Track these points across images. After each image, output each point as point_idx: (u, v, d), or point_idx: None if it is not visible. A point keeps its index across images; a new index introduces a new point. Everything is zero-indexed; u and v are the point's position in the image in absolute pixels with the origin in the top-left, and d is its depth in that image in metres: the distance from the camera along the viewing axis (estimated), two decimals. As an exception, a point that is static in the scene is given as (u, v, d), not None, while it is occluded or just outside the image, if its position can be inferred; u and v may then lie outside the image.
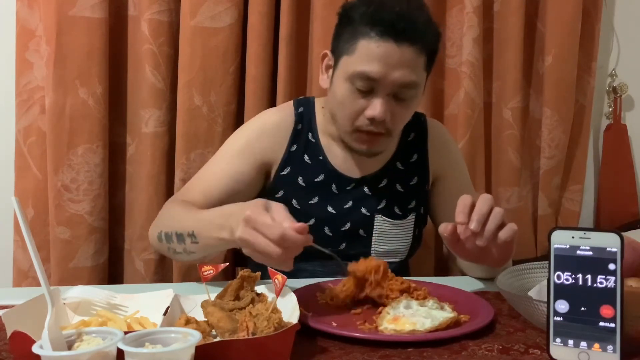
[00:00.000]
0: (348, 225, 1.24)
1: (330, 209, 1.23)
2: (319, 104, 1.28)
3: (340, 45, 1.13)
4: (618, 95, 1.99)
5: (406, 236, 1.27)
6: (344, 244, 1.24)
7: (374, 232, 1.25)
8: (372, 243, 1.25)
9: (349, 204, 1.24)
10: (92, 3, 1.56)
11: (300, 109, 1.27)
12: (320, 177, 1.24)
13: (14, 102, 1.63)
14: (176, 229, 1.10)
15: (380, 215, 1.24)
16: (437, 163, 1.31)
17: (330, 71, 1.18)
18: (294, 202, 1.23)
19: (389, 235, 1.25)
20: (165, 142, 1.66)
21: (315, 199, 1.24)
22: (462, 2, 1.72)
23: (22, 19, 1.61)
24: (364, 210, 1.24)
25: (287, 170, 1.24)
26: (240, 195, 1.19)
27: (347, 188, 1.24)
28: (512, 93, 1.79)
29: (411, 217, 1.27)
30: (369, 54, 1.07)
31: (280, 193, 1.24)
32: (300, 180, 1.24)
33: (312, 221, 1.22)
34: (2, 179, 1.68)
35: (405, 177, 1.28)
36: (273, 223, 0.87)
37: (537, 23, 1.84)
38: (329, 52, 1.19)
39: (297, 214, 1.21)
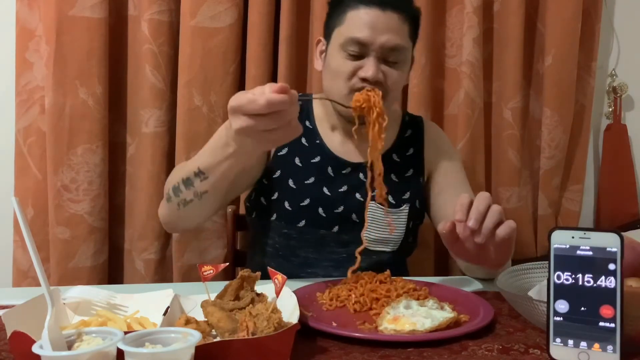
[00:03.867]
0: (342, 208, 1.25)
1: (325, 190, 1.25)
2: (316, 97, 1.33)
3: (331, 22, 1.23)
4: (618, 95, 1.99)
5: (399, 226, 1.28)
6: (336, 227, 1.26)
7: (366, 219, 1.26)
8: (365, 229, 1.25)
9: (344, 188, 1.26)
10: (92, 3, 1.56)
11: (299, 102, 1.30)
12: (317, 159, 1.27)
13: (13, 102, 1.63)
14: (181, 176, 1.10)
15: (373, 202, 1.25)
16: (432, 158, 1.34)
17: (324, 55, 1.26)
18: (290, 182, 1.26)
19: (381, 223, 1.26)
20: (165, 142, 1.66)
21: (312, 180, 1.26)
22: (462, 2, 1.72)
23: (22, 19, 1.61)
24: (358, 195, 1.26)
25: (284, 151, 1.27)
26: (247, 174, 1.23)
27: (343, 172, 1.26)
28: (512, 93, 1.79)
29: (405, 208, 1.29)
30: (358, 21, 1.17)
31: (278, 173, 1.26)
32: (297, 160, 1.27)
33: (307, 201, 1.25)
34: (2, 179, 1.68)
35: (400, 168, 1.30)
36: (255, 96, 0.87)
37: (537, 23, 1.84)
38: (322, 38, 1.28)
39: (293, 193, 1.25)
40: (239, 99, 0.89)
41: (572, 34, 1.79)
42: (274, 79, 1.68)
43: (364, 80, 1.16)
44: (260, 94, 0.86)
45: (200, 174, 1.06)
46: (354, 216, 1.25)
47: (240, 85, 1.68)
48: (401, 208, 1.28)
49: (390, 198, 1.27)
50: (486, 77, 1.80)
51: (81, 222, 1.60)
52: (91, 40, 1.57)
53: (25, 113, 1.63)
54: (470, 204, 0.96)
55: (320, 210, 1.25)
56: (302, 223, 1.25)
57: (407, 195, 1.29)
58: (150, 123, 1.63)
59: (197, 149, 1.61)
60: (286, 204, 1.25)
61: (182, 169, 1.14)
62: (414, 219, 1.31)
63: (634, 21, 1.99)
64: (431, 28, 1.72)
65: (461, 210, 0.95)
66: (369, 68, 1.15)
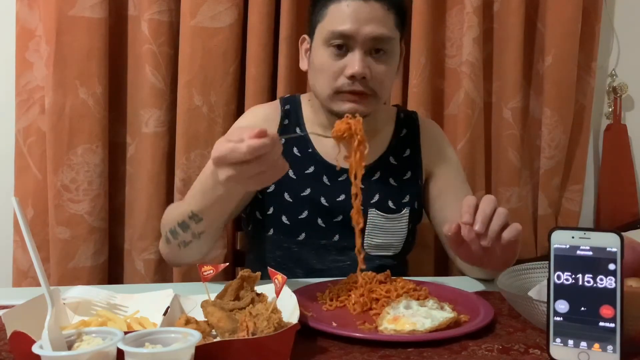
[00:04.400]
0: (341, 217, 1.23)
1: (323, 200, 1.23)
2: (305, 98, 1.31)
3: (313, 18, 1.19)
4: (618, 95, 1.99)
5: (400, 230, 1.27)
6: (337, 236, 1.24)
7: (367, 226, 1.24)
8: (365, 236, 1.24)
9: (342, 196, 1.23)
10: (92, 3, 1.56)
11: (287, 107, 1.30)
12: (311, 169, 1.24)
13: (13, 102, 1.63)
14: (176, 220, 1.10)
15: (373, 209, 1.24)
16: (429, 159, 1.31)
17: (309, 53, 1.22)
18: (286, 195, 1.23)
19: (382, 229, 1.25)
20: (165, 142, 1.66)
21: (308, 191, 1.23)
22: (462, 2, 1.72)
23: (22, 19, 1.61)
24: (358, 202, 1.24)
25: None
26: (243, 196, 1.19)
27: (340, 179, 1.23)
28: (512, 93, 1.79)
29: (405, 212, 1.27)
30: (340, 14, 1.13)
31: (272, 187, 1.24)
32: (290, 173, 1.23)
33: (305, 213, 1.23)
34: (2, 179, 1.68)
35: (398, 171, 1.28)
36: (235, 145, 0.84)
37: (537, 23, 1.84)
38: (306, 36, 1.24)
39: (290, 207, 1.23)
40: (220, 149, 0.85)
41: (572, 34, 1.79)
42: (274, 78, 1.68)
43: (350, 77, 1.12)
44: (239, 141, 0.83)
45: (194, 216, 1.06)
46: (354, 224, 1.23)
47: (240, 85, 1.68)
48: (402, 213, 1.26)
49: (390, 203, 1.25)
50: (486, 77, 1.80)
51: (81, 222, 1.60)
52: (91, 40, 1.57)
53: (25, 113, 1.63)
54: (476, 206, 0.95)
55: (320, 221, 1.23)
56: (302, 236, 1.23)
57: (406, 199, 1.27)
58: (150, 123, 1.63)
59: (197, 149, 1.64)
60: (284, 219, 1.23)
61: (176, 210, 1.13)
62: (414, 220, 1.30)
63: (634, 21, 1.99)
64: (431, 28, 1.72)
65: (468, 212, 0.95)
66: (354, 63, 1.11)
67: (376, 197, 1.25)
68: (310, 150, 1.25)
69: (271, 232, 1.25)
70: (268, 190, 1.24)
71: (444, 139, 1.38)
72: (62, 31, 1.56)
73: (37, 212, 1.64)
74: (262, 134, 0.84)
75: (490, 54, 1.82)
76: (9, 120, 1.65)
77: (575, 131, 1.88)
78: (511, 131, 1.81)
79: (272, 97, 1.68)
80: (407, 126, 1.32)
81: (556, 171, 1.86)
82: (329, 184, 1.24)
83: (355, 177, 1.05)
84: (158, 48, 1.61)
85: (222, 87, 1.64)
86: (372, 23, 1.12)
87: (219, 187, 0.97)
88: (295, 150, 1.25)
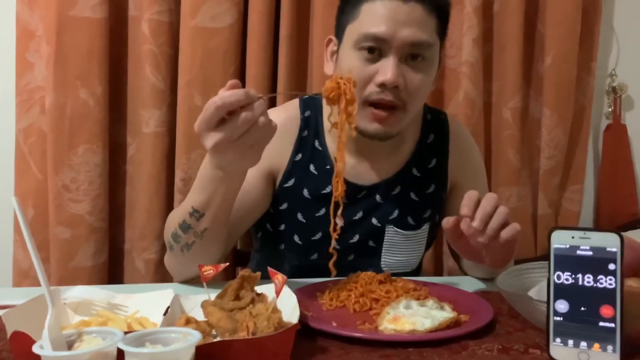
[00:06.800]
0: (357, 237, 1.17)
1: (338, 220, 1.16)
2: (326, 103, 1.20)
3: (343, 18, 1.08)
4: (618, 95, 1.99)
5: (418, 247, 1.22)
6: (352, 256, 1.18)
7: (384, 244, 1.19)
8: (382, 254, 1.19)
9: (359, 214, 1.16)
10: (93, 3, 1.56)
11: (307, 113, 1.18)
12: (328, 189, 1.14)
13: (14, 102, 1.63)
14: (177, 222, 1.02)
15: (391, 226, 1.18)
16: (457, 170, 1.23)
17: (335, 56, 1.12)
18: (299, 215, 1.17)
19: (400, 247, 1.19)
20: (165, 142, 1.66)
21: (323, 211, 1.15)
22: (462, 2, 1.72)
23: (23, 20, 1.61)
24: (374, 220, 1.17)
25: (291, 182, 1.16)
26: (253, 210, 1.14)
27: (358, 197, 1.16)
28: (512, 93, 1.79)
29: (425, 227, 1.20)
30: (374, 14, 1.01)
31: (285, 205, 1.17)
32: (305, 192, 1.16)
33: (319, 235, 1.16)
34: (2, 179, 1.68)
35: (421, 184, 1.20)
36: (209, 101, 0.83)
37: (537, 23, 1.84)
38: (333, 37, 1.14)
39: (302, 228, 1.16)
40: (197, 119, 0.85)
41: (572, 34, 1.79)
42: (274, 79, 1.68)
43: (380, 85, 1.01)
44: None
45: (195, 212, 0.98)
46: (370, 242, 1.18)
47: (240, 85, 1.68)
48: (422, 228, 1.20)
49: (409, 219, 1.19)
50: (486, 77, 1.80)
51: (81, 222, 1.60)
52: (92, 41, 1.57)
53: (25, 113, 1.63)
54: (478, 201, 0.95)
55: (335, 242, 1.15)
56: (315, 256, 1.17)
57: (427, 214, 1.20)
58: (150, 123, 1.64)
59: (197, 149, 1.64)
60: (296, 238, 1.17)
61: (176, 214, 1.06)
62: (433, 233, 1.25)
63: (634, 21, 1.99)
64: (431, 28, 1.72)
65: (468, 206, 0.94)
66: (387, 70, 1.00)
67: (395, 214, 1.18)
68: (328, 167, 1.15)
69: (282, 247, 1.19)
70: (280, 207, 1.17)
71: (473, 145, 1.29)
72: (63, 31, 1.56)
73: (38, 212, 1.64)
74: (233, 86, 0.83)
75: (490, 54, 1.82)
76: (9, 121, 1.65)
77: (575, 131, 1.88)
78: (511, 131, 1.81)
79: (272, 97, 1.68)
80: (434, 131, 1.22)
81: (556, 171, 1.86)
82: (346, 202, 1.09)
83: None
84: (158, 48, 1.61)
85: (222, 87, 1.64)
86: (411, 26, 1.00)
87: (216, 171, 0.92)
88: (312, 167, 1.16)
